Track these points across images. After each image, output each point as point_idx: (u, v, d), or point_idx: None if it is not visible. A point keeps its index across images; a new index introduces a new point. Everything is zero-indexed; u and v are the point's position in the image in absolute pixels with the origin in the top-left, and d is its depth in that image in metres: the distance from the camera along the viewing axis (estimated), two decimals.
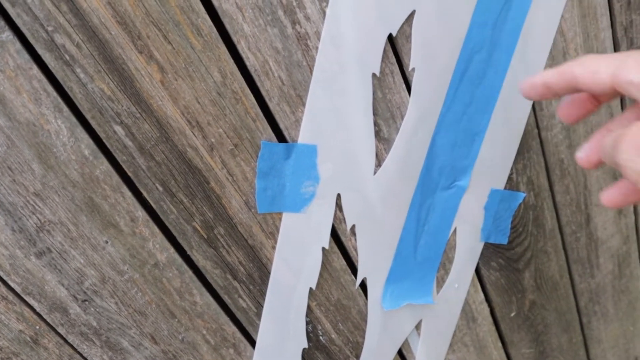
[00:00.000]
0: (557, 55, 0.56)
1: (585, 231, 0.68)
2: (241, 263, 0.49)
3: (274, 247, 0.50)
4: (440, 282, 0.59)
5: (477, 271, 0.62)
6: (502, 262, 0.63)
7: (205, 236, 0.47)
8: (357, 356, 0.58)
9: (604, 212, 0.68)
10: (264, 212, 0.48)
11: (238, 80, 0.44)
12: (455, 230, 0.57)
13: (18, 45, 0.38)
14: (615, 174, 0.66)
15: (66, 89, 0.40)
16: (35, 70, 0.39)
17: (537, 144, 0.59)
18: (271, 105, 0.45)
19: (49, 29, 0.38)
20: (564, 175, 0.63)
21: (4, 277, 0.43)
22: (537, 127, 0.58)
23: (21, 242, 0.42)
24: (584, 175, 0.64)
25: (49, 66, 0.39)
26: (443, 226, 0.56)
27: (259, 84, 0.44)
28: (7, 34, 0.37)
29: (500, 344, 0.68)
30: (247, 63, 0.43)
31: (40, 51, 0.38)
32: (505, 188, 0.58)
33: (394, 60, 0.48)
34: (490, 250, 0.61)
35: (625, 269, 0.74)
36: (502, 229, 0.60)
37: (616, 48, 0.59)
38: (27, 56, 0.38)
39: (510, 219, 0.60)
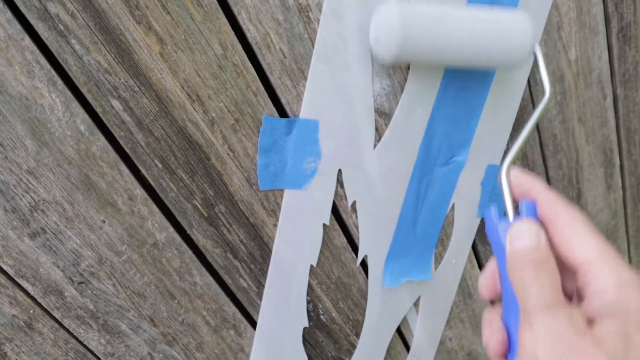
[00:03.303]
0: (552, 30, 0.56)
1: (576, 206, 0.69)
2: (242, 242, 0.48)
3: (275, 225, 0.49)
4: (438, 259, 0.59)
5: (474, 247, 0.62)
6: None
7: (206, 214, 0.46)
8: (357, 334, 0.58)
9: (594, 187, 0.69)
10: (265, 189, 0.47)
11: (239, 53, 0.42)
12: (453, 206, 0.57)
13: (9, 14, 0.36)
14: (605, 149, 0.67)
15: (60, 61, 0.38)
16: (28, 41, 0.37)
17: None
18: (272, 79, 0.44)
19: None
20: (557, 151, 0.63)
21: None
22: (532, 101, 0.59)
23: (14, 223, 0.41)
24: (576, 151, 0.65)
25: (42, 37, 0.37)
26: (441, 202, 0.56)
27: (260, 57, 0.43)
28: None
29: None
30: (248, 35, 0.42)
31: (33, 21, 0.36)
32: (501, 163, 0.58)
33: None
34: None
35: (613, 242, 0.75)
36: (498, 205, 0.60)
37: (607, 22, 0.60)
38: (18, 26, 0.36)
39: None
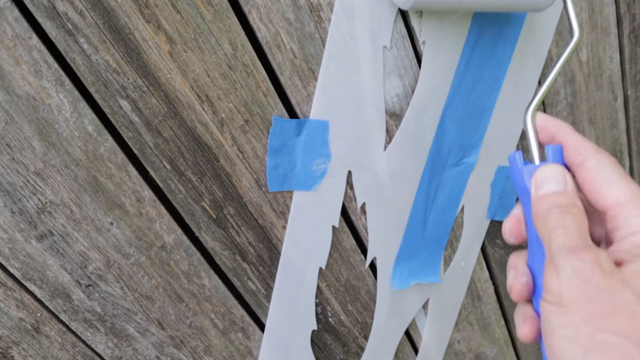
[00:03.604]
0: (563, 31, 0.55)
1: None
2: (251, 244, 0.48)
3: (284, 227, 0.48)
4: (448, 261, 0.58)
5: (483, 249, 0.62)
6: None
7: (215, 216, 0.45)
8: (366, 337, 0.58)
9: None
10: (275, 191, 0.46)
11: (249, 53, 0.42)
12: (462, 208, 0.56)
13: (16, 12, 0.35)
14: (615, 150, 0.66)
15: (68, 60, 0.37)
16: (35, 40, 0.36)
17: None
18: (282, 80, 0.44)
19: None
20: None
21: (3, 262, 0.41)
22: (543, 103, 0.58)
23: (21, 225, 0.40)
24: None
25: (50, 36, 0.36)
26: (451, 204, 0.55)
27: (270, 56, 0.43)
28: (5, 1, 0.34)
29: (503, 322, 0.68)
30: (259, 34, 0.42)
31: (41, 19, 0.36)
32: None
33: (405, 32, 0.47)
34: (495, 228, 0.61)
35: None
36: (507, 207, 0.59)
37: (619, 23, 0.59)
38: (26, 25, 0.35)
39: (516, 196, 0.59)
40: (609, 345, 0.24)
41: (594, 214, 0.30)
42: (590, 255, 0.26)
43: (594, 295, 0.25)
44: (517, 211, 0.34)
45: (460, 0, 0.41)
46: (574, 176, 0.30)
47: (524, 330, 0.31)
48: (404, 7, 0.42)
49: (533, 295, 0.32)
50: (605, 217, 0.28)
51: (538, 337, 0.31)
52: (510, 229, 0.34)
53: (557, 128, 0.32)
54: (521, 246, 0.42)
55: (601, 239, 0.31)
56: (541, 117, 0.33)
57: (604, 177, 0.29)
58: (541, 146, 0.32)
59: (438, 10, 0.43)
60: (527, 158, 0.33)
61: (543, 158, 0.32)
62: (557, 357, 0.26)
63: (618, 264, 0.26)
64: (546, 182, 0.29)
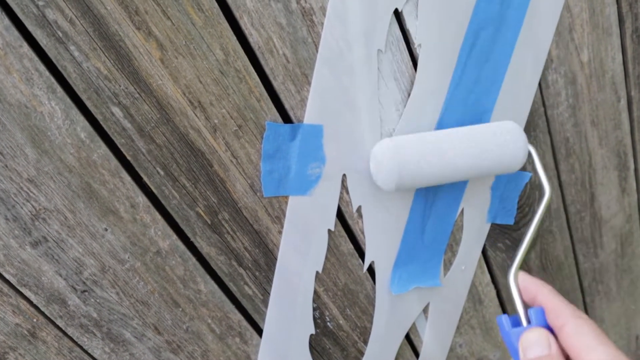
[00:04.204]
0: (564, 32, 0.55)
1: (590, 210, 0.67)
2: (246, 249, 0.48)
3: (280, 232, 0.48)
4: (448, 265, 0.58)
5: (484, 252, 0.61)
6: (508, 242, 0.62)
7: (209, 222, 0.45)
8: (365, 341, 0.57)
9: (608, 190, 0.67)
10: (269, 196, 0.46)
11: (241, 58, 0.42)
12: (462, 212, 0.56)
13: (7, 21, 0.35)
14: (619, 152, 0.65)
15: (60, 68, 0.37)
16: (26, 48, 0.36)
17: (543, 122, 0.58)
18: (276, 84, 0.43)
19: (40, 3, 0.35)
20: (569, 154, 0.62)
21: None
22: (544, 105, 0.57)
23: (15, 232, 0.40)
24: (589, 154, 0.63)
25: (41, 44, 0.36)
26: (450, 207, 0.55)
27: (262, 61, 0.42)
28: None
29: None
30: (251, 40, 0.41)
31: (31, 28, 0.36)
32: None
33: (400, 36, 0.46)
34: (496, 231, 0.60)
35: (627, 247, 0.73)
36: (508, 210, 0.59)
37: (621, 23, 0.58)
38: (16, 33, 0.36)
39: (517, 199, 0.59)
40: None
41: None
42: None
43: None
44: None
45: (440, 177, 0.45)
46: (557, 338, 0.33)
47: None
48: (387, 189, 0.46)
49: None
50: None
51: None
52: None
53: (537, 289, 0.36)
54: None
55: None
56: (522, 277, 0.37)
57: (583, 343, 0.31)
58: (526, 306, 0.36)
59: (416, 187, 0.47)
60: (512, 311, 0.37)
61: (528, 319, 0.36)
62: None
63: None
64: (531, 346, 0.32)
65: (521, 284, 0.37)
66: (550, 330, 0.34)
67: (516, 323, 0.36)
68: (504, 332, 0.36)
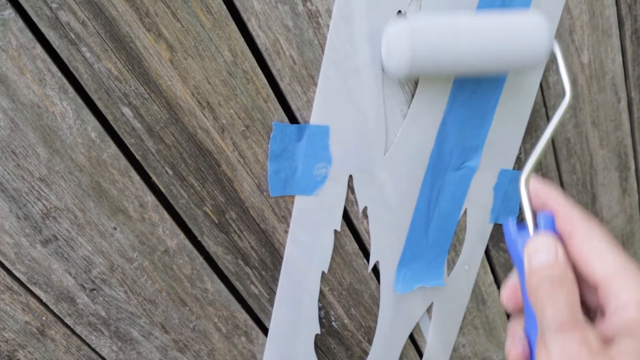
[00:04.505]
0: (564, 33, 0.56)
1: (591, 211, 0.68)
2: (253, 248, 0.48)
3: (286, 232, 0.49)
4: (451, 264, 0.58)
5: (487, 252, 0.61)
6: None
7: (217, 221, 0.46)
8: (370, 341, 0.58)
9: (609, 191, 0.68)
10: (276, 196, 0.47)
11: (249, 60, 0.42)
12: (465, 212, 0.56)
13: (21, 23, 0.36)
14: (620, 153, 0.66)
15: (71, 69, 0.38)
16: (39, 49, 0.37)
17: (544, 123, 0.59)
18: (282, 86, 0.44)
19: (53, 5, 0.36)
20: (571, 155, 0.63)
21: (9, 267, 0.41)
22: (545, 106, 0.58)
23: (26, 230, 0.41)
24: (590, 155, 0.64)
25: (53, 45, 0.37)
26: (453, 207, 0.55)
27: (269, 63, 0.43)
28: (9, 12, 0.35)
29: None
30: (258, 41, 0.42)
31: (44, 29, 0.37)
32: (514, 168, 0.57)
33: None
34: (499, 232, 0.61)
35: (629, 248, 0.74)
36: (511, 210, 0.59)
37: (621, 25, 0.59)
38: (30, 35, 0.36)
39: (519, 199, 0.59)
40: None
41: (585, 286, 0.31)
42: (578, 334, 0.27)
43: None
44: (513, 279, 0.35)
45: (452, 68, 0.42)
46: (565, 245, 0.31)
47: None
48: (400, 76, 0.43)
49: None
50: (598, 289, 0.29)
51: None
52: (507, 297, 0.34)
53: (547, 195, 0.33)
54: None
55: (596, 308, 0.31)
56: (533, 183, 0.34)
57: (593, 248, 0.29)
58: (535, 213, 0.33)
59: (431, 76, 0.44)
60: (521, 218, 0.34)
61: (537, 224, 0.33)
62: None
63: (609, 340, 0.27)
64: (537, 253, 0.30)
65: (532, 189, 0.34)
66: (560, 239, 0.32)
67: (523, 231, 0.33)
68: (509, 238, 0.33)
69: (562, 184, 0.64)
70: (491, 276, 0.63)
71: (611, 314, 0.27)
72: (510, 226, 0.33)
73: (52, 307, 0.44)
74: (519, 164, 0.58)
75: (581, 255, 0.30)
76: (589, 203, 0.67)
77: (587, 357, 0.26)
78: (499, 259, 0.63)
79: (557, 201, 0.32)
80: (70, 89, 0.38)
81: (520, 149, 0.57)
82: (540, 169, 0.61)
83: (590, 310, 0.31)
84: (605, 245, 0.29)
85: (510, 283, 0.34)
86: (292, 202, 0.48)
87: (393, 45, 0.43)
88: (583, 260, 0.29)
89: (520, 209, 0.33)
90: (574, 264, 0.30)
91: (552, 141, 0.60)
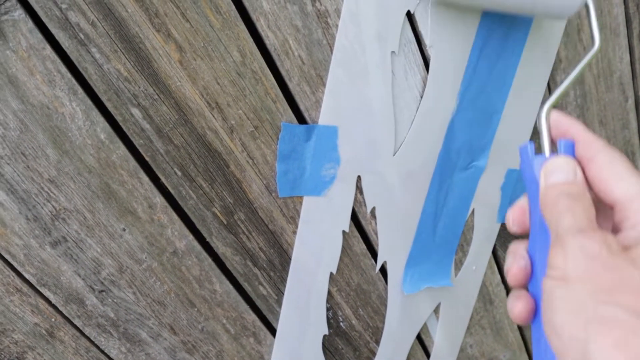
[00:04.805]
0: (572, 32, 0.55)
1: None
2: (261, 249, 0.48)
3: (294, 232, 0.49)
4: (459, 265, 0.58)
5: (494, 253, 0.61)
6: None
7: (225, 222, 0.46)
8: (377, 341, 0.58)
9: None
10: (284, 196, 0.47)
11: (258, 60, 0.42)
12: (472, 212, 0.56)
13: (30, 24, 0.36)
14: (627, 151, 0.66)
15: (81, 70, 0.38)
16: (49, 50, 0.37)
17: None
18: (291, 86, 0.44)
19: (63, 6, 0.36)
20: None
21: (19, 268, 0.41)
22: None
23: (36, 231, 0.41)
24: None
25: (63, 46, 0.37)
26: (461, 208, 0.55)
27: (278, 63, 0.43)
28: (19, 13, 0.35)
29: (516, 326, 0.68)
30: (267, 42, 0.42)
31: (54, 30, 0.36)
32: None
33: (412, 37, 0.47)
34: (507, 231, 0.61)
35: None
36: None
37: (628, 24, 0.59)
38: (40, 35, 0.36)
39: None
40: (612, 317, 0.24)
41: (601, 210, 0.31)
42: (598, 235, 0.26)
43: (599, 271, 0.25)
44: (521, 201, 0.34)
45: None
46: (584, 170, 0.31)
47: (517, 308, 0.31)
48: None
49: (530, 282, 0.32)
50: (614, 210, 0.29)
51: (530, 319, 0.31)
52: (514, 218, 0.34)
53: (569, 125, 0.32)
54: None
55: (608, 231, 0.31)
56: (555, 114, 0.34)
57: (614, 171, 0.29)
58: (553, 142, 0.33)
59: (463, 6, 0.44)
60: (539, 151, 0.33)
61: (555, 152, 0.32)
62: (558, 331, 0.26)
63: (626, 248, 0.27)
64: (556, 171, 0.30)
65: (553, 120, 0.33)
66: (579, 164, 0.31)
67: (541, 156, 0.32)
68: (525, 159, 0.32)
69: None
70: (498, 276, 0.63)
71: (629, 228, 0.27)
72: (529, 148, 0.32)
73: (61, 308, 0.44)
74: None
75: (600, 177, 0.29)
76: None
77: (607, 256, 0.25)
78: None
79: (579, 130, 0.32)
80: (80, 90, 0.38)
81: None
82: None
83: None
84: (626, 169, 0.29)
85: (518, 205, 0.34)
86: (301, 203, 0.48)
87: None
88: (602, 182, 0.29)
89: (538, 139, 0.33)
90: (591, 187, 0.30)
91: None
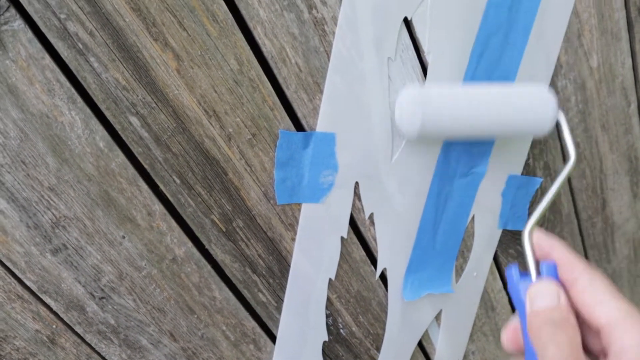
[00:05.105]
0: (572, 37, 0.55)
1: (601, 216, 0.67)
2: (260, 256, 0.48)
3: (293, 239, 0.49)
4: (459, 271, 0.58)
5: (495, 259, 0.61)
6: (520, 249, 0.62)
7: (224, 229, 0.46)
8: (378, 349, 0.57)
9: (620, 196, 0.67)
10: (283, 204, 0.47)
11: (255, 68, 0.42)
12: (473, 218, 0.56)
13: (30, 34, 0.36)
14: (630, 157, 0.65)
15: (80, 79, 0.39)
16: (48, 60, 0.37)
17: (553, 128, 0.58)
18: (288, 93, 0.44)
19: (62, 16, 0.36)
20: (580, 160, 0.62)
21: (20, 276, 0.42)
22: None
23: (36, 239, 0.41)
24: (599, 160, 0.63)
25: (62, 55, 0.38)
26: (461, 214, 0.55)
27: (275, 71, 0.43)
28: (19, 23, 0.36)
29: None
30: (264, 49, 0.42)
31: (53, 40, 0.37)
32: (522, 174, 0.57)
33: (409, 44, 0.47)
34: (507, 237, 0.60)
35: None
36: (519, 216, 0.59)
37: (630, 28, 0.59)
38: (39, 45, 0.37)
39: (528, 205, 0.59)
40: None
41: (591, 330, 0.32)
42: None
43: None
44: (514, 322, 0.36)
45: (465, 127, 0.45)
46: (568, 293, 0.32)
47: None
48: (411, 137, 0.46)
49: None
50: (600, 334, 0.30)
51: None
52: (508, 339, 0.35)
53: (550, 247, 0.35)
54: None
55: (599, 352, 0.32)
56: (537, 235, 0.36)
57: (596, 296, 0.30)
58: (538, 263, 0.35)
59: (440, 139, 0.49)
60: (524, 268, 0.35)
61: (539, 274, 0.34)
62: None
63: None
64: (540, 296, 0.31)
65: (535, 241, 0.36)
66: (563, 286, 0.33)
67: (526, 277, 0.35)
68: (511, 284, 0.35)
69: (571, 190, 0.63)
70: (500, 282, 0.62)
71: (614, 356, 0.28)
72: (513, 272, 0.35)
73: (62, 315, 0.44)
74: (527, 169, 0.58)
75: (584, 301, 0.31)
76: (599, 208, 0.66)
77: None
78: (508, 265, 0.62)
79: (560, 252, 0.34)
80: (79, 99, 0.39)
81: (528, 154, 0.57)
82: (549, 174, 0.60)
83: (592, 354, 0.32)
84: (608, 293, 0.30)
85: (511, 325, 0.36)
86: (299, 210, 0.48)
87: (404, 113, 0.46)
88: (586, 307, 0.31)
89: (524, 259, 0.36)
90: (576, 310, 0.31)
91: (561, 146, 0.60)
